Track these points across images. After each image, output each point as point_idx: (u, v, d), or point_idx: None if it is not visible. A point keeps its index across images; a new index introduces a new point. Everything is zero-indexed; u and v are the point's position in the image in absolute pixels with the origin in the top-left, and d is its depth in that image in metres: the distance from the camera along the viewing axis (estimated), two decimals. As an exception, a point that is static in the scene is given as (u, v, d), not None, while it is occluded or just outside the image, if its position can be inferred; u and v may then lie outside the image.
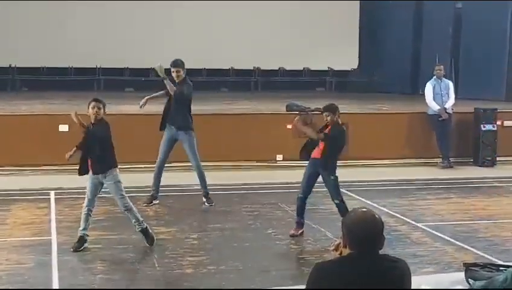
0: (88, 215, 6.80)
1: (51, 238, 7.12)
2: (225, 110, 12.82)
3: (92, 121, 6.84)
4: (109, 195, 8.19)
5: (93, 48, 17.44)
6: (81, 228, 6.77)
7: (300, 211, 7.37)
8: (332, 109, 7.27)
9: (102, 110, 6.85)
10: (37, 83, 17.16)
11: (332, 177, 7.26)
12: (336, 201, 7.27)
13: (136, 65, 18.19)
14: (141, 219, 6.88)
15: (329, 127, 7.25)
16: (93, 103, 6.85)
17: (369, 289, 3.01)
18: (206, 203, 8.67)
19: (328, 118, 7.22)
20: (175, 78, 8.72)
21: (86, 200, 6.86)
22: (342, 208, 7.17)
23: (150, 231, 6.89)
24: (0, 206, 8.54)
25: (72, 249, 6.65)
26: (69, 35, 17.53)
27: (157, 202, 8.68)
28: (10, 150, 10.81)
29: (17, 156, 10.78)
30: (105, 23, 17.79)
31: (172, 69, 8.76)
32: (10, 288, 5.22)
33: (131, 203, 6.87)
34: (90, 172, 6.85)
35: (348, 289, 3.00)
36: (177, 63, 8.79)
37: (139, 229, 6.83)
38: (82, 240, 6.74)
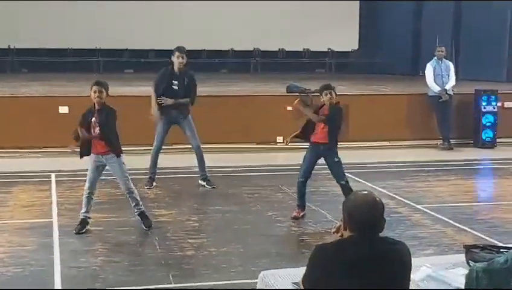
0: (90, 198, 6.80)
1: (52, 220, 7.14)
2: (225, 92, 12.80)
3: (96, 107, 6.70)
4: (110, 177, 8.21)
5: (92, 29, 17.38)
6: (82, 211, 6.79)
7: (301, 194, 7.39)
8: (328, 89, 7.21)
9: (104, 94, 6.70)
10: (36, 65, 17.12)
11: (336, 160, 7.25)
12: (342, 182, 7.27)
13: (136, 46, 18.13)
14: (141, 202, 6.88)
15: (326, 108, 7.20)
16: (95, 87, 6.68)
17: (369, 271, 3.03)
18: (206, 186, 8.68)
19: (326, 98, 7.15)
20: (178, 65, 8.55)
21: (87, 183, 6.85)
22: (347, 189, 7.17)
23: (147, 215, 6.90)
24: (1, 189, 8.55)
25: (74, 231, 6.67)
26: (69, 16, 17.46)
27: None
28: (10, 132, 10.81)
29: (17, 138, 10.78)
30: (104, 4, 17.69)
31: (178, 54, 8.55)
32: (11, 288, 5.22)
33: (133, 187, 6.86)
34: (92, 154, 6.76)
35: (349, 271, 3.02)
36: (184, 50, 8.63)
37: (138, 212, 6.85)
38: (84, 222, 6.75)
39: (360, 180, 9.14)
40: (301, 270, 3.28)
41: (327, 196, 8.42)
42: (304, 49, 19.66)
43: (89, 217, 6.82)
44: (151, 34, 17.73)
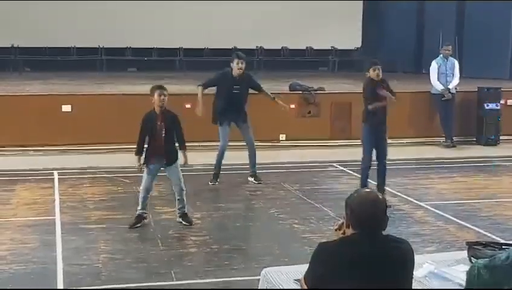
0: (147, 197, 6.86)
1: (54, 218, 7.15)
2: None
3: (157, 111, 6.74)
4: (111, 175, 8.22)
5: (95, 28, 17.38)
6: (139, 207, 6.83)
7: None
8: (377, 65, 7.47)
9: (167, 98, 6.74)
10: (39, 63, 17.12)
11: (386, 137, 7.50)
12: (385, 161, 7.52)
13: (139, 45, 18.13)
14: (186, 205, 6.93)
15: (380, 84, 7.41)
16: (158, 91, 6.72)
17: (372, 268, 3.02)
18: (254, 181, 8.82)
19: (374, 74, 7.37)
20: (237, 71, 8.64)
21: (145, 184, 6.86)
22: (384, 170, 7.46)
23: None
24: (4, 187, 8.57)
25: (128, 226, 6.71)
26: (72, 15, 17.45)
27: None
28: (13, 131, 10.83)
29: (20, 136, 10.80)
30: (107, 2, 17.68)
31: (237, 61, 8.63)
32: (13, 288, 5.23)
33: (185, 189, 6.90)
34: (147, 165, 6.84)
35: (351, 269, 3.01)
36: (243, 56, 8.75)
37: (180, 213, 6.91)
38: (140, 217, 6.81)
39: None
40: (303, 268, 3.27)
41: (330, 193, 8.42)
42: (307, 47, 19.63)
43: (146, 213, 6.87)
44: (155, 33, 17.72)
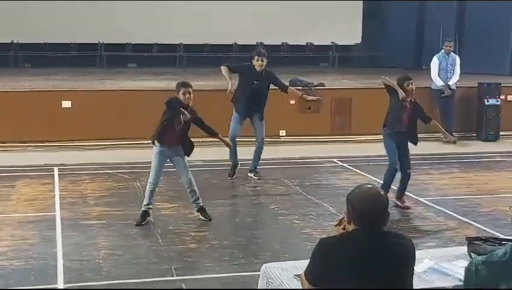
0: (153, 191, 6.84)
1: (55, 214, 7.16)
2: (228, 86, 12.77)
3: (184, 106, 6.73)
4: (111, 171, 8.22)
5: (95, 24, 17.35)
6: (145, 203, 6.83)
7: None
8: (409, 80, 7.44)
9: (192, 95, 6.76)
10: (39, 59, 17.09)
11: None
12: (409, 171, 7.52)
13: (139, 40, 18.10)
14: (200, 198, 6.93)
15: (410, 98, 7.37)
16: (184, 89, 6.72)
17: (372, 264, 3.02)
18: (254, 177, 8.86)
19: (408, 88, 7.36)
20: (258, 68, 8.73)
21: (152, 176, 6.84)
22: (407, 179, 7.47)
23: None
24: (5, 183, 8.57)
25: (135, 223, 6.70)
26: (72, 10, 17.41)
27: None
28: (13, 127, 10.82)
29: (21, 132, 10.79)
30: (107, -2, 17.66)
31: (257, 58, 8.73)
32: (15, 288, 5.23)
33: (194, 182, 6.90)
34: (159, 146, 6.77)
35: (352, 265, 3.02)
36: (263, 53, 8.84)
37: (197, 207, 6.91)
38: (146, 214, 6.80)
39: (363, 173, 9.13)
40: (303, 263, 3.28)
41: (330, 189, 8.42)
42: (307, 43, 19.60)
43: (151, 208, 6.87)
44: (155, 28, 17.69)
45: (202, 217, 6.91)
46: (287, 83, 12.34)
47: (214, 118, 10.41)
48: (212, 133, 7.20)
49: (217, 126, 10.14)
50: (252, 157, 9.02)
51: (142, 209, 6.84)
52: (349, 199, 3.15)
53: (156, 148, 6.84)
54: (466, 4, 17.19)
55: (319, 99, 9.48)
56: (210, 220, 6.90)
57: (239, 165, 8.94)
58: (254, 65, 8.76)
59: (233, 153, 8.80)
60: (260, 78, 8.77)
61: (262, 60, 8.71)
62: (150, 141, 6.93)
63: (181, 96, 6.71)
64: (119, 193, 8.08)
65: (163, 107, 7.43)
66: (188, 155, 6.89)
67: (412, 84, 7.43)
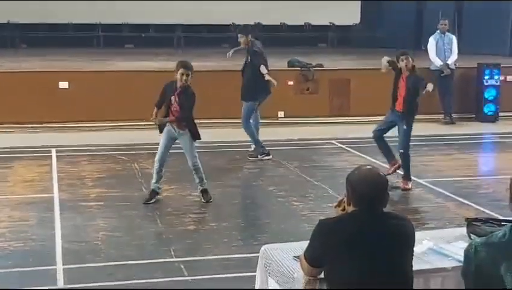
0: (160, 170, 6.84)
1: (52, 195, 7.14)
2: (226, 67, 12.71)
3: (178, 87, 6.70)
4: (109, 153, 8.18)
5: (92, 4, 17.23)
6: (153, 181, 6.83)
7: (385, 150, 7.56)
8: (404, 55, 7.36)
9: (190, 77, 6.69)
10: (36, 40, 17.00)
11: (405, 127, 7.42)
12: (400, 150, 7.49)
13: (136, 21, 18.00)
14: (204, 179, 6.91)
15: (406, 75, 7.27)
16: (182, 70, 6.66)
17: (372, 246, 3.01)
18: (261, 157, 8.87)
19: (402, 64, 7.29)
20: (243, 45, 8.85)
21: (157, 155, 6.85)
22: (403, 158, 7.41)
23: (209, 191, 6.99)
24: (2, 164, 8.54)
25: (143, 202, 6.71)
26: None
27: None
28: (10, 108, 10.77)
29: (18, 113, 10.75)
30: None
31: (239, 36, 8.87)
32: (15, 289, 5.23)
33: (200, 163, 6.87)
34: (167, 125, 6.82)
35: (351, 246, 3.01)
36: (241, 29, 9.05)
37: (201, 188, 6.92)
38: (154, 193, 6.81)
39: (362, 155, 9.11)
40: (303, 245, 3.27)
41: (328, 170, 8.41)
42: (305, 23, 19.50)
43: (159, 187, 6.89)
44: (152, 9, 17.58)
45: (203, 199, 6.90)
46: (284, 63, 12.30)
47: (209, 98, 10.42)
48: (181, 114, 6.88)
49: (211, 106, 10.17)
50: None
51: (151, 187, 6.87)
52: (348, 180, 3.14)
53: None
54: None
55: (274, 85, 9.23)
56: (208, 202, 6.89)
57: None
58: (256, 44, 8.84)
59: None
60: (246, 58, 8.84)
61: (241, 37, 8.80)
62: (149, 122, 6.96)
63: (178, 76, 6.67)
64: (117, 174, 8.06)
65: (161, 88, 7.40)
66: (194, 140, 6.84)
67: (404, 60, 7.32)
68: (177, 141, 6.91)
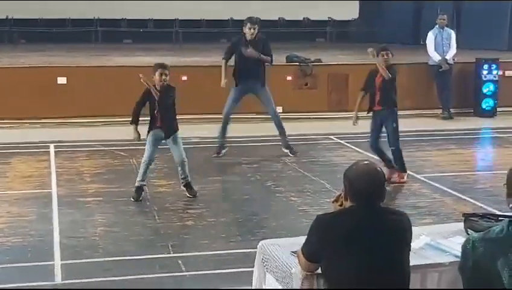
0: (147, 167, 6.85)
1: (51, 191, 7.14)
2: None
3: (158, 88, 6.73)
4: (108, 148, 8.16)
5: (90, -1, 17.21)
6: (139, 179, 6.83)
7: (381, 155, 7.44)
8: (384, 50, 7.23)
9: (168, 77, 6.74)
10: (34, 35, 16.98)
11: (394, 125, 7.40)
12: (392, 148, 7.43)
13: (134, 16, 17.98)
14: (188, 175, 6.92)
15: (384, 70, 7.15)
16: (160, 70, 6.72)
17: (370, 241, 3.02)
18: (289, 154, 8.77)
19: (381, 59, 7.14)
20: (250, 36, 8.63)
21: (145, 153, 6.86)
22: (394, 155, 7.38)
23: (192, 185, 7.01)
24: (0, 160, 8.54)
25: (132, 199, 6.72)
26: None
27: (226, 150, 8.83)
28: (9, 103, 10.76)
29: (16, 109, 10.74)
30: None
31: (249, 26, 8.64)
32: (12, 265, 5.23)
33: (186, 160, 6.90)
34: (152, 130, 6.86)
35: (348, 241, 3.01)
36: (255, 20, 8.72)
37: (183, 183, 6.93)
38: (140, 190, 6.81)
39: (360, 150, 9.11)
40: (300, 240, 3.27)
41: (326, 166, 8.41)
42: (304, 18, 19.50)
43: (145, 185, 6.89)
44: (150, 4, 17.56)
45: (188, 194, 6.91)
46: (283, 58, 12.30)
47: (207, 93, 10.42)
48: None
49: (210, 102, 10.17)
50: (278, 133, 8.94)
51: (136, 184, 6.84)
52: (346, 176, 3.15)
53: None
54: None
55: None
56: (194, 196, 6.89)
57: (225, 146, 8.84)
58: (245, 34, 8.66)
59: (222, 131, 8.72)
60: (253, 47, 8.66)
61: (254, 29, 8.61)
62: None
63: (157, 78, 6.69)
64: (115, 170, 8.07)
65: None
66: (166, 138, 6.83)
67: (384, 55, 7.21)
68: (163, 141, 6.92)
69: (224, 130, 8.79)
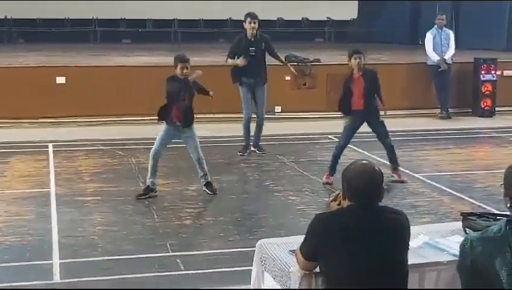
0: (155, 165, 6.84)
1: (49, 190, 7.14)
2: (223, 62, 12.72)
3: (181, 78, 6.77)
4: (106, 147, 8.16)
5: (89, -1, 17.20)
6: (148, 177, 6.84)
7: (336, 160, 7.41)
8: (358, 53, 7.17)
9: (189, 70, 6.79)
10: (33, 35, 16.96)
11: (381, 120, 7.38)
12: (388, 140, 7.45)
13: (133, 16, 17.97)
14: (208, 173, 6.95)
15: (356, 73, 7.16)
16: (181, 64, 6.75)
17: (368, 240, 3.02)
18: (257, 152, 8.87)
19: (354, 62, 7.13)
20: (251, 30, 8.66)
21: (153, 149, 6.84)
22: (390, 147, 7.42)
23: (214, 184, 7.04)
24: (-1, 159, 8.55)
25: (136, 196, 6.72)
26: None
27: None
28: (7, 103, 10.76)
29: (15, 108, 10.73)
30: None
31: (249, 20, 8.67)
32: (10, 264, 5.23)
33: (203, 157, 6.91)
34: (165, 125, 6.83)
35: (346, 240, 3.02)
36: (255, 16, 8.76)
37: (204, 182, 6.94)
38: (148, 189, 6.83)
39: (358, 149, 9.11)
40: (298, 239, 3.28)
41: (325, 165, 8.40)
42: (302, 18, 19.49)
43: (154, 184, 6.88)
44: (149, 4, 17.56)
45: (208, 191, 6.94)
46: (282, 57, 12.30)
47: (214, 93, 10.38)
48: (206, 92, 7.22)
49: (209, 102, 10.12)
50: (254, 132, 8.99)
51: (146, 183, 6.87)
52: (344, 175, 3.15)
53: (163, 125, 6.87)
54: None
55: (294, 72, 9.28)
56: (214, 193, 6.93)
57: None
58: (246, 30, 8.68)
59: (246, 133, 8.82)
60: (256, 45, 8.70)
61: (255, 23, 8.63)
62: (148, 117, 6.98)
63: (178, 71, 6.69)
64: (114, 169, 8.07)
65: (158, 83, 7.43)
66: (187, 126, 6.83)
67: (357, 59, 7.16)
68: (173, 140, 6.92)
69: (247, 131, 8.88)
